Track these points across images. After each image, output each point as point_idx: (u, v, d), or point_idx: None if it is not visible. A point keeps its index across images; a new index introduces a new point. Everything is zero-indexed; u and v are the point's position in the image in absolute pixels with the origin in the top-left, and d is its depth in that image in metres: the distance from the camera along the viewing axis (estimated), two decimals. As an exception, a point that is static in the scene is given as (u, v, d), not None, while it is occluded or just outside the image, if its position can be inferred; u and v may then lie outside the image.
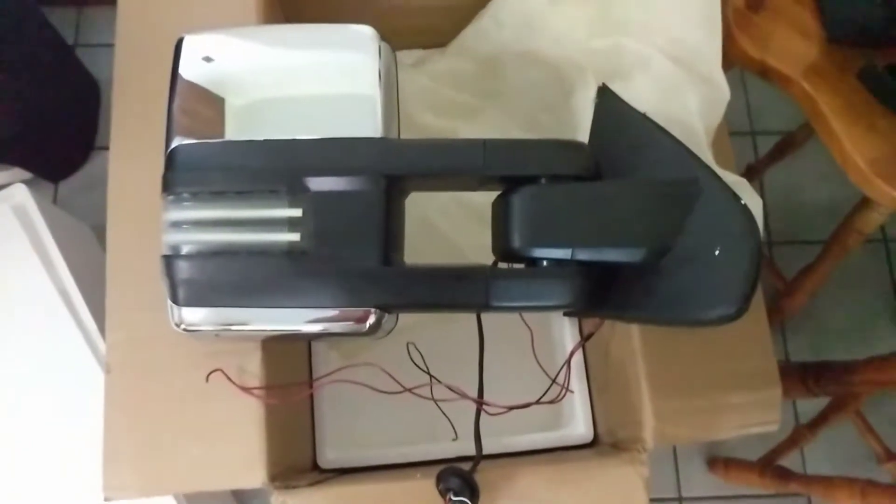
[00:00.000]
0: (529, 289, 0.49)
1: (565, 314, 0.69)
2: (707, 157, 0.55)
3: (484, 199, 0.53)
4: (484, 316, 0.56)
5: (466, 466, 0.54)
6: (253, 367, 0.55)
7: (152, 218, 0.49)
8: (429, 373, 0.59)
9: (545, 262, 0.48)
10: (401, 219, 0.52)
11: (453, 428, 0.62)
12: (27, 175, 1.21)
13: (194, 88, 0.51)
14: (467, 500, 0.52)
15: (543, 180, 0.48)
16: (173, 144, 0.49)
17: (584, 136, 0.58)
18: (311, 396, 0.70)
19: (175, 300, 0.49)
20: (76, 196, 1.29)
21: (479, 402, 0.56)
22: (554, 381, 0.61)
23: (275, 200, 0.47)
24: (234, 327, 0.50)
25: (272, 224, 0.47)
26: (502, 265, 0.51)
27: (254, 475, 0.53)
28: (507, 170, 0.49)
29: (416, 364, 0.60)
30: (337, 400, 0.70)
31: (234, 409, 0.54)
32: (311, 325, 0.49)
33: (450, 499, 0.52)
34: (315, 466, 0.68)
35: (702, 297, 0.44)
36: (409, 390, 0.58)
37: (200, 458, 0.54)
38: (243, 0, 0.63)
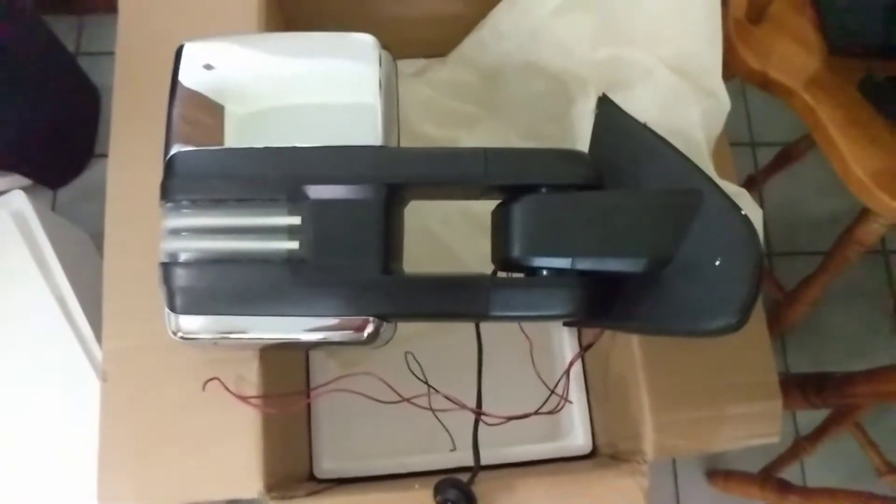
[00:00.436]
0: (529, 298, 0.49)
1: (565, 324, 0.69)
2: (708, 167, 0.55)
3: (484, 209, 0.53)
4: (483, 326, 0.56)
5: (465, 477, 0.54)
6: (250, 376, 0.55)
7: (150, 225, 0.49)
8: (427, 382, 0.59)
9: (545, 272, 0.48)
10: (400, 227, 0.52)
11: (451, 438, 0.62)
12: (26, 181, 1.21)
13: (194, 96, 0.51)
14: (465, 512, 0.51)
15: (544, 189, 0.48)
16: (172, 151, 0.49)
17: (584, 146, 0.58)
18: (309, 406, 0.69)
19: (172, 308, 0.48)
20: (75, 203, 1.28)
21: (478, 412, 0.56)
22: (553, 391, 0.61)
23: (274, 208, 0.47)
24: (231, 335, 0.49)
25: (271, 232, 0.47)
26: (502, 274, 0.51)
27: (250, 485, 0.53)
28: (508, 179, 0.49)
29: (414, 374, 0.59)
30: (334, 409, 0.69)
31: (231, 418, 0.54)
32: (309, 333, 0.49)
33: (448, 510, 0.52)
34: (312, 476, 0.67)
35: (702, 308, 0.44)
36: (408, 400, 0.58)
37: (196, 467, 0.54)
38: (244, 8, 0.63)
